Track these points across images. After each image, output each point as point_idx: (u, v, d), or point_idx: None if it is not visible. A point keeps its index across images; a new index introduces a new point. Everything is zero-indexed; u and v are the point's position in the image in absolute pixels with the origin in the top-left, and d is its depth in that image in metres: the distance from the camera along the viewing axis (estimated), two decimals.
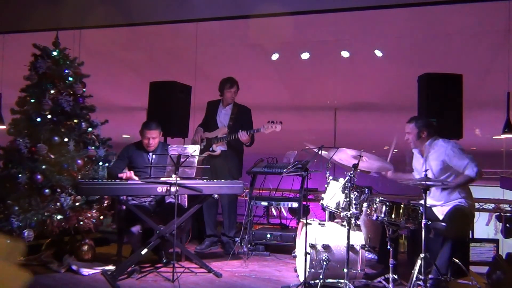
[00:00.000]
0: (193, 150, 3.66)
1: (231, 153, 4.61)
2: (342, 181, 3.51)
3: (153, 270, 3.82)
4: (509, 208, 4.79)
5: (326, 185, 3.84)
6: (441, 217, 3.51)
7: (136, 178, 3.84)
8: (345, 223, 3.35)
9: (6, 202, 3.80)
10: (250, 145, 4.58)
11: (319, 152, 3.46)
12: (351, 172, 3.33)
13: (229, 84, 4.63)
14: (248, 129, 4.48)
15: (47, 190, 3.82)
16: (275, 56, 6.33)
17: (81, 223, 3.91)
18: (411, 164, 3.94)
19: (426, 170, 3.19)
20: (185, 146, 3.76)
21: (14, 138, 3.94)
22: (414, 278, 3.08)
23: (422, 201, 3.14)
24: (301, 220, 3.95)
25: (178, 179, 3.56)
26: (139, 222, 3.70)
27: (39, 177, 3.81)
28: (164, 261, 3.93)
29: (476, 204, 4.29)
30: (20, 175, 3.79)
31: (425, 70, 4.62)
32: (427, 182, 3.15)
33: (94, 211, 4.02)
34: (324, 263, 3.37)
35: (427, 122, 3.68)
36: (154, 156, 4.05)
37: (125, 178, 3.80)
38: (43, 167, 3.85)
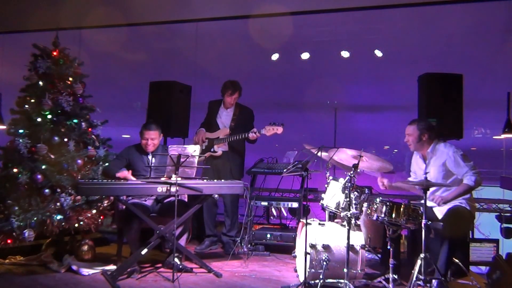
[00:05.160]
0: (193, 150, 3.66)
1: (233, 153, 4.59)
2: (342, 181, 3.51)
3: (153, 270, 3.82)
4: (509, 208, 4.77)
5: (326, 185, 3.84)
6: (441, 217, 3.51)
7: (133, 178, 3.81)
8: (345, 223, 3.35)
9: (6, 202, 3.80)
10: (254, 142, 4.52)
11: (319, 153, 3.46)
12: (351, 172, 3.33)
13: (230, 91, 4.54)
14: (250, 130, 4.46)
15: (47, 190, 3.82)
16: (275, 56, 6.33)
17: (81, 223, 3.91)
18: (409, 167, 3.92)
19: (426, 173, 3.19)
20: (185, 146, 3.75)
21: (14, 138, 3.94)
22: (414, 278, 3.08)
23: (424, 201, 3.12)
24: (301, 220, 3.94)
25: (179, 179, 3.56)
26: (138, 220, 3.69)
27: (39, 177, 3.81)
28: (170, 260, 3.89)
29: (476, 204, 4.29)
30: (20, 175, 3.79)
31: (425, 70, 4.62)
32: (427, 184, 3.14)
33: (94, 211, 4.01)
34: (324, 263, 3.37)
35: (429, 125, 3.62)
36: (153, 159, 4.03)
37: (122, 177, 3.74)
38: (43, 167, 3.85)
